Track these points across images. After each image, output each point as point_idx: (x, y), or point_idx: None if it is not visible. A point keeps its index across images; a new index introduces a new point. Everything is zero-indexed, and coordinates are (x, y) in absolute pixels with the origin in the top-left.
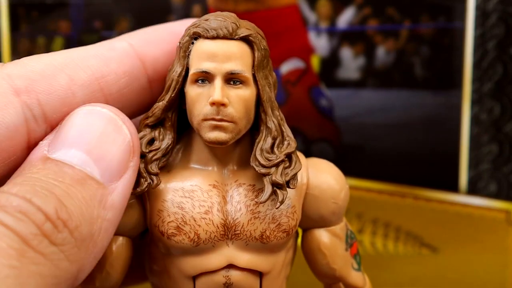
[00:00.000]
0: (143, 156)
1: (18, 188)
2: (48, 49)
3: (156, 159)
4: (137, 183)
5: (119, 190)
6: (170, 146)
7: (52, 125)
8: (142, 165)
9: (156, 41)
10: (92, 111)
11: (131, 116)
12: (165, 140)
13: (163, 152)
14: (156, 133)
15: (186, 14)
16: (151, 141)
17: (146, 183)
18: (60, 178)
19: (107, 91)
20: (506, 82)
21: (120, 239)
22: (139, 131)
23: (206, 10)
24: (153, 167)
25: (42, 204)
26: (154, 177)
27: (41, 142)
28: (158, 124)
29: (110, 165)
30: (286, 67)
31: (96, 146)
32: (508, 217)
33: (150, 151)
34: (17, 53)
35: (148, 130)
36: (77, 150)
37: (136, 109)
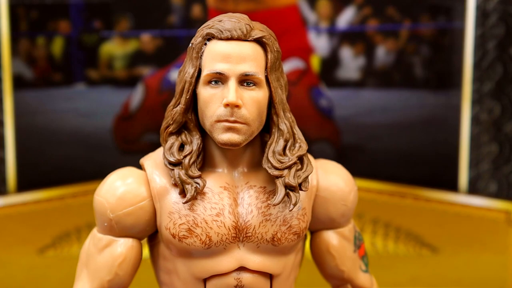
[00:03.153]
0: (179, 163)
1: None
2: (48, 49)
3: (193, 162)
4: (183, 191)
5: None
6: (200, 146)
7: None
8: (183, 172)
9: None
10: None
11: None
12: (194, 141)
13: (197, 153)
14: (183, 137)
15: (186, 14)
16: (181, 147)
17: (193, 187)
18: None
19: None
20: (506, 82)
21: (130, 241)
22: (164, 141)
23: (206, 10)
24: (194, 170)
25: None
26: (198, 180)
27: None
28: (181, 128)
29: None
30: (286, 67)
31: None
32: (508, 217)
33: (185, 156)
34: (17, 53)
35: (174, 137)
36: None
37: None
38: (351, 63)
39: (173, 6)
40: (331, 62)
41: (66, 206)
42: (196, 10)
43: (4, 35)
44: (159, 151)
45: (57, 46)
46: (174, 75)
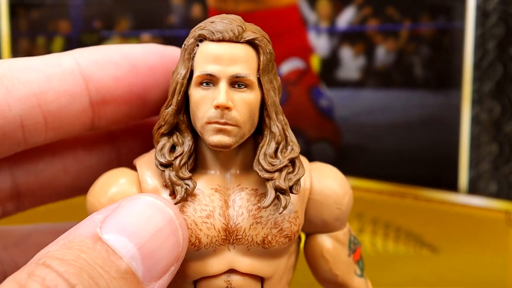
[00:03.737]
0: (170, 165)
1: (66, 268)
2: (48, 49)
3: (184, 164)
4: (174, 193)
5: None
6: (192, 147)
7: None
8: (173, 173)
9: (104, 63)
10: (155, 205)
11: (67, 135)
12: (185, 142)
13: (188, 154)
14: (175, 138)
15: (186, 14)
16: (172, 148)
17: (183, 189)
18: (106, 267)
19: (45, 108)
20: (506, 82)
21: None
22: (156, 142)
23: (206, 10)
24: (184, 172)
25: None
26: (188, 181)
27: (95, 214)
28: (173, 129)
29: (155, 266)
30: (286, 67)
31: (148, 243)
32: (508, 217)
33: (176, 158)
34: (17, 53)
35: (165, 138)
36: (129, 241)
37: (74, 130)
38: (351, 63)
39: (173, 6)
40: (331, 62)
41: (66, 206)
42: (196, 10)
43: (4, 35)
44: (153, 152)
45: (57, 46)
46: None
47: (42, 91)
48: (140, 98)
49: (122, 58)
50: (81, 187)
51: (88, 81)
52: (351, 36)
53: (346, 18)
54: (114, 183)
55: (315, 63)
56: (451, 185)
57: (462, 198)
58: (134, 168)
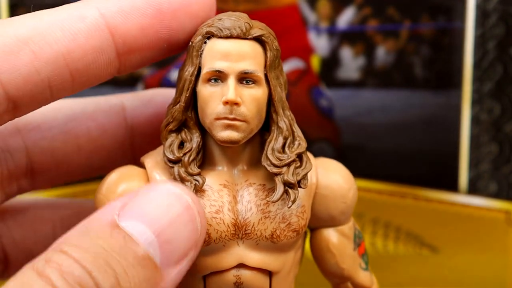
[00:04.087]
0: (179, 161)
1: (82, 254)
2: None
3: (193, 160)
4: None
5: (172, 277)
6: (200, 143)
7: (16, 102)
8: (182, 169)
9: (129, 11)
10: (173, 192)
11: (93, 85)
12: (194, 139)
13: (196, 150)
14: (183, 135)
15: None
16: (181, 145)
17: (193, 185)
18: (123, 254)
19: (73, 67)
20: (506, 82)
21: None
22: (164, 138)
23: None
24: (193, 168)
25: (101, 280)
26: (198, 177)
27: (114, 201)
28: (181, 126)
29: (173, 252)
30: (286, 67)
31: (166, 229)
32: (508, 217)
33: (184, 154)
34: None
35: (174, 135)
36: (147, 227)
37: (100, 80)
38: (351, 63)
39: None
40: (331, 62)
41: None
42: None
43: None
44: (160, 149)
45: None
46: (174, 75)
47: (69, 51)
48: (165, 42)
49: (146, 3)
50: (94, 167)
51: (114, 33)
52: (351, 36)
53: (346, 18)
54: (123, 180)
55: (315, 63)
56: (451, 185)
57: (462, 198)
58: (141, 165)
